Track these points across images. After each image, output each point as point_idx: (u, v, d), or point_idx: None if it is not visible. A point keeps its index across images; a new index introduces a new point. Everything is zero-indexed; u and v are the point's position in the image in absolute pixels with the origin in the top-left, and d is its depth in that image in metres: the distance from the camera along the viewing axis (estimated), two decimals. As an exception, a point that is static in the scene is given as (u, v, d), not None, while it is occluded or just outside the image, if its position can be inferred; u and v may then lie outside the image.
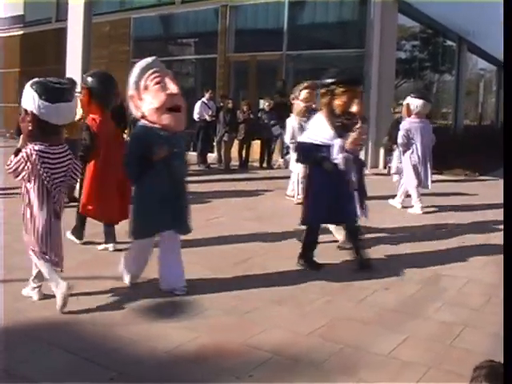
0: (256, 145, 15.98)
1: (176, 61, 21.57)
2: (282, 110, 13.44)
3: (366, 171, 12.65)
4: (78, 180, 5.51)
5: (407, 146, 9.73)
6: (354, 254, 6.24)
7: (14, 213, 8.33)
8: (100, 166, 6.79)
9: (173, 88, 5.25)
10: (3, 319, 4.59)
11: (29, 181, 4.85)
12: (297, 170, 9.82)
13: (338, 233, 7.09)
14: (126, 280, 5.50)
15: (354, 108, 5.98)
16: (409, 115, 9.89)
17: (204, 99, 15.96)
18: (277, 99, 15.46)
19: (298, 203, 9.28)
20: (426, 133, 9.80)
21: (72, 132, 9.41)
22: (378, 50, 15.96)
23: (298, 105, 10.02)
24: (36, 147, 4.77)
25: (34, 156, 4.74)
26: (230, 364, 3.93)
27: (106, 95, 7.09)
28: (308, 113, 9.66)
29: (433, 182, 10.03)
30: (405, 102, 10.22)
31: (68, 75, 11.21)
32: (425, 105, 9.83)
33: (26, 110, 4.80)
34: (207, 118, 15.62)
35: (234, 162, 15.44)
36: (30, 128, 4.82)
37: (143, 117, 5.27)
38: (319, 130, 6.12)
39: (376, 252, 6.72)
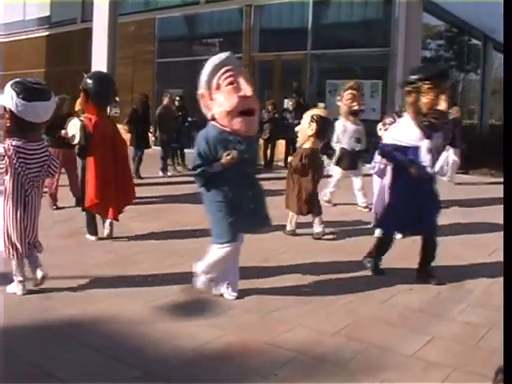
0: (281, 144, 15.98)
1: (200, 60, 21.57)
2: (299, 110, 13.49)
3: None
4: (56, 174, 5.90)
5: None
6: (425, 268, 5.84)
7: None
8: (98, 164, 7.06)
9: (247, 89, 4.89)
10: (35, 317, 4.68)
11: (6, 174, 5.09)
12: (337, 174, 9.85)
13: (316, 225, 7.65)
14: (201, 285, 5.21)
15: (442, 105, 5.67)
16: None
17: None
18: (295, 99, 15.51)
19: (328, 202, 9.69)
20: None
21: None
22: (403, 48, 15.90)
23: (342, 106, 9.87)
24: (13, 142, 5.07)
25: (10, 151, 5.03)
26: (255, 363, 3.96)
27: (102, 96, 7.26)
28: (353, 114, 9.76)
29: (459, 183, 10.02)
30: None
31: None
32: None
33: (4, 108, 5.07)
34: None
35: (259, 162, 15.45)
36: (8, 125, 5.12)
37: (213, 118, 4.98)
38: (405, 130, 5.71)
39: (400, 251, 6.71)
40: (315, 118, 7.59)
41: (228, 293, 5.18)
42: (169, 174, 13.75)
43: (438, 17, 18.50)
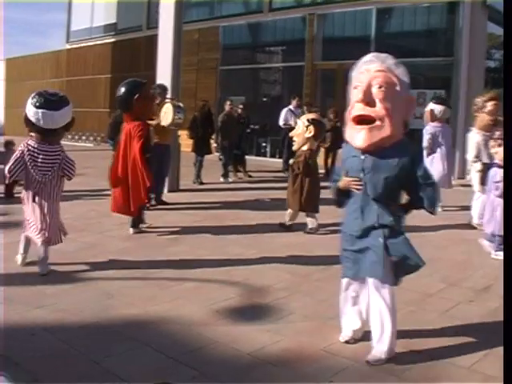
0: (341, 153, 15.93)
1: (263, 68, 21.81)
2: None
3: (454, 182, 12.47)
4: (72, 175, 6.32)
5: (432, 149, 10.32)
6: None
7: (105, 214, 8.72)
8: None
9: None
10: (97, 316, 4.84)
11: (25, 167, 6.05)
12: (480, 191, 8.72)
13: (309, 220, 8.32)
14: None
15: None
16: (432, 120, 10.45)
17: (291, 106, 16.07)
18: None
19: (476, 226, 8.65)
20: (447, 136, 10.59)
21: (163, 137, 9.72)
22: (467, 58, 15.71)
23: (483, 118, 9.08)
24: (28, 142, 6.08)
25: (23, 147, 6.06)
26: (311, 369, 3.99)
27: (122, 101, 7.90)
28: (493, 127, 8.58)
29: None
30: (428, 109, 10.62)
31: (158, 81, 11.52)
32: (446, 110, 10.56)
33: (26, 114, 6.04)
34: (293, 124, 15.71)
35: (320, 170, 15.43)
36: (27, 127, 6.10)
37: None
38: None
39: (454, 264, 6.67)
40: (312, 121, 8.32)
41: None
42: (230, 180, 13.88)
43: (502, 25, 18.21)
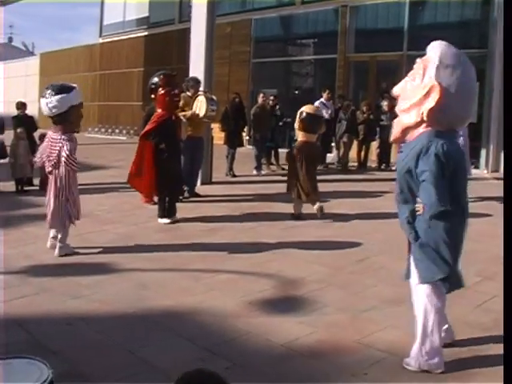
0: (374, 146, 15.86)
1: (295, 61, 21.76)
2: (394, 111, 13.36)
3: (487, 175, 12.36)
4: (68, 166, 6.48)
5: None
6: None
7: (139, 206, 8.80)
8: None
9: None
10: (132, 306, 4.89)
11: None
12: None
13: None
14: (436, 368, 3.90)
15: None
16: None
17: (322, 99, 16.01)
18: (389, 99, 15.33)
19: None
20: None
21: (197, 130, 9.77)
22: (501, 50, 15.49)
23: None
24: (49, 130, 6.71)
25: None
26: (346, 361, 4.00)
27: (147, 91, 8.69)
28: None
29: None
30: None
31: (191, 74, 11.55)
32: None
33: None
34: (326, 117, 15.67)
35: (353, 163, 15.40)
36: None
37: None
38: None
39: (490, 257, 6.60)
40: (299, 114, 8.70)
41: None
42: (263, 172, 13.88)
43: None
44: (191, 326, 4.56)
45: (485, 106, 15.62)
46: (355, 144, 15.46)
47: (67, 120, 6.43)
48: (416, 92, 3.77)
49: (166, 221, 8.05)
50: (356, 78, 19.09)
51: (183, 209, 8.56)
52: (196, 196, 10.24)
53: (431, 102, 3.66)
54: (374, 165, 15.52)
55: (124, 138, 26.25)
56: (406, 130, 3.88)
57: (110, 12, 29.89)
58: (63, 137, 6.39)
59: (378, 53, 17.81)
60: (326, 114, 15.60)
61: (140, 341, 4.28)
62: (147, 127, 7.99)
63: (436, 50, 3.83)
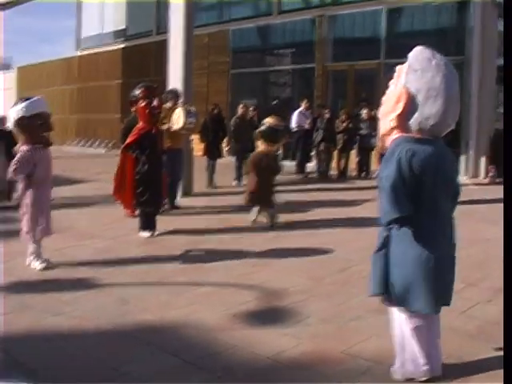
0: (354, 154, 15.90)
1: (274, 71, 21.80)
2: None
3: (467, 181, 12.38)
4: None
5: None
6: None
7: (119, 219, 8.73)
8: None
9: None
10: (113, 322, 4.81)
11: None
12: None
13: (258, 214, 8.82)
14: (421, 375, 3.80)
15: None
16: None
17: (301, 109, 16.05)
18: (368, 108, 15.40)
19: None
20: None
21: (176, 142, 9.73)
22: (479, 57, 15.61)
23: None
24: None
25: None
26: (332, 372, 3.95)
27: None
28: None
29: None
30: None
31: (170, 86, 11.52)
32: None
33: None
34: (307, 126, 15.69)
35: (333, 172, 15.41)
36: None
37: None
38: None
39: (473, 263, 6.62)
40: (261, 125, 9.20)
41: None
42: (243, 183, 13.83)
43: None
44: (174, 340, 4.49)
45: (463, 112, 15.70)
46: (335, 153, 15.48)
47: (25, 131, 6.31)
48: (390, 99, 3.70)
49: (147, 234, 7.97)
50: (334, 86, 19.17)
51: (164, 221, 8.49)
52: (176, 208, 10.18)
53: (399, 108, 3.57)
54: (354, 173, 15.55)
55: (102, 150, 26.11)
56: (383, 138, 3.82)
57: (88, 24, 29.82)
58: (21, 148, 6.34)
59: (355, 61, 17.92)
60: (305, 123, 15.66)
61: (122, 356, 4.20)
62: (128, 140, 7.92)
63: (410, 55, 3.72)
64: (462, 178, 15.12)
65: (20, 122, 6.26)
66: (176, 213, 9.89)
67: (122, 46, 27.01)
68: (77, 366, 4.06)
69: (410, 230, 3.60)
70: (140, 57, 25.17)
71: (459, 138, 15.79)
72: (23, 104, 6.24)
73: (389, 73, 4.10)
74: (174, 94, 10.42)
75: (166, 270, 6.43)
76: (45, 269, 6.33)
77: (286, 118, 16.77)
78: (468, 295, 5.57)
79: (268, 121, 9.07)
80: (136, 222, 8.16)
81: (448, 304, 3.82)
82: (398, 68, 3.76)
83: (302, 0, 20.20)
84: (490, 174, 14.61)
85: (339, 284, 5.93)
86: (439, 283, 3.68)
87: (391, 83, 3.78)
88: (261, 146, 9.15)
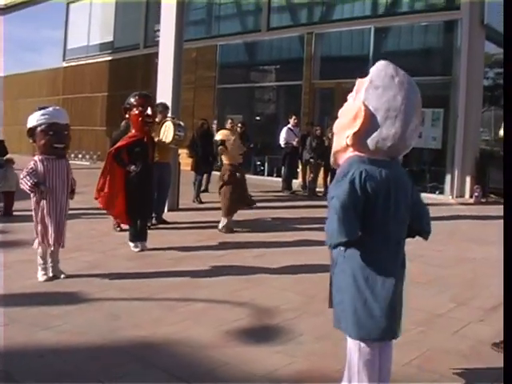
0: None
1: (261, 87, 21.88)
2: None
3: (452, 200, 12.43)
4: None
5: None
6: None
7: (107, 232, 8.67)
8: None
9: None
10: (103, 337, 4.76)
11: None
12: None
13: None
14: None
15: None
16: None
17: (290, 125, 16.09)
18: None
19: None
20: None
21: (164, 156, 9.69)
22: (465, 77, 15.75)
23: None
24: None
25: None
26: (327, 391, 3.94)
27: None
28: None
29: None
30: None
31: (159, 100, 11.50)
32: None
33: None
34: (295, 143, 15.73)
35: (320, 189, 15.42)
36: None
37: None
38: None
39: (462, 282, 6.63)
40: (215, 141, 10.13)
41: None
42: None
43: (499, 45, 18.28)
44: (166, 357, 4.45)
45: (449, 132, 15.84)
46: (322, 170, 15.52)
47: (35, 141, 6.30)
48: (347, 114, 3.41)
49: (136, 249, 7.92)
50: (322, 104, 19.26)
51: (152, 236, 8.44)
52: (164, 223, 10.14)
53: (356, 126, 3.30)
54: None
55: (87, 162, 26.00)
56: (336, 155, 3.54)
57: (74, 36, 29.78)
58: (33, 158, 6.34)
59: (343, 79, 17.96)
60: (293, 140, 15.71)
61: (113, 372, 4.15)
62: (118, 144, 7.85)
63: (372, 69, 3.44)
64: (448, 198, 15.22)
65: (31, 131, 6.25)
66: (163, 227, 9.85)
67: (109, 58, 26.99)
68: (67, 381, 4.00)
69: (357, 255, 3.47)
70: (127, 70, 25.16)
71: (445, 157, 15.91)
72: (36, 114, 6.23)
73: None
74: (163, 107, 10.40)
75: (156, 285, 6.38)
76: (46, 281, 6.36)
77: (272, 134, 16.85)
78: (459, 315, 5.58)
79: (218, 135, 10.08)
80: (123, 235, 8.11)
81: (395, 337, 3.60)
82: (358, 81, 3.47)
83: (291, 17, 20.31)
84: (475, 194, 14.70)
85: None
86: (387, 311, 3.44)
87: (349, 96, 3.50)
88: (225, 158, 9.87)
